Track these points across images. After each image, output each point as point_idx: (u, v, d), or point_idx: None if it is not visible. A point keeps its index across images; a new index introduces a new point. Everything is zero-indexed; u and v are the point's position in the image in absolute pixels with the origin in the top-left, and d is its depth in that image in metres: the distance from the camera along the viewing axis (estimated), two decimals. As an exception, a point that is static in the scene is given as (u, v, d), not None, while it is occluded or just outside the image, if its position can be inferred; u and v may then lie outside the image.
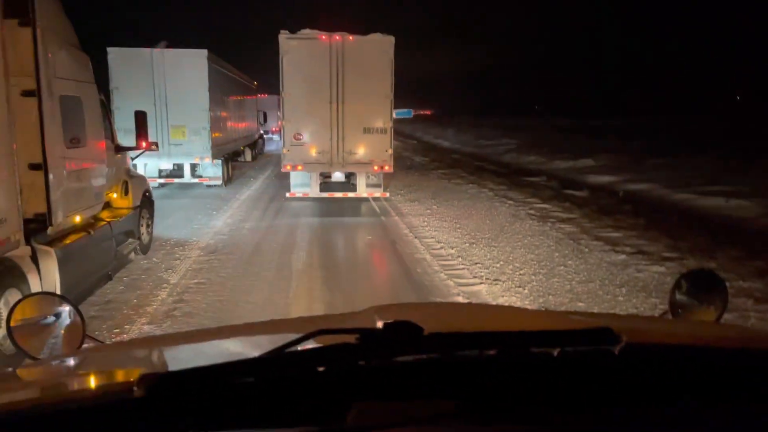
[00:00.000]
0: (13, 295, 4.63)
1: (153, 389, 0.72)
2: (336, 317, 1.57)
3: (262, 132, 27.24)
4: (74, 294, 5.47)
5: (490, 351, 0.80)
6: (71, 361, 1.40)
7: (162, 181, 14.40)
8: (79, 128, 5.99)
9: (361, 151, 12.06)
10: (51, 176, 5.14)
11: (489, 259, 7.89)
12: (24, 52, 4.90)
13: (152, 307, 5.99)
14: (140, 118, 7.99)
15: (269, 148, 28.74)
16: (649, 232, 9.45)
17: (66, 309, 1.57)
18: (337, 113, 11.86)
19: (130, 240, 7.52)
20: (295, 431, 0.74)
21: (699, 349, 0.91)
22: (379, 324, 1.06)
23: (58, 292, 5.11)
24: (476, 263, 7.73)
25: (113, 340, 5.06)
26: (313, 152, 12.06)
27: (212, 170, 14.91)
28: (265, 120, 27.09)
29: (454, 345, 0.79)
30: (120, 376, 1.10)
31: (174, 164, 14.66)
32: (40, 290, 4.95)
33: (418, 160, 24.68)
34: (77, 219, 5.93)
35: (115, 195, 7.50)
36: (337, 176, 12.79)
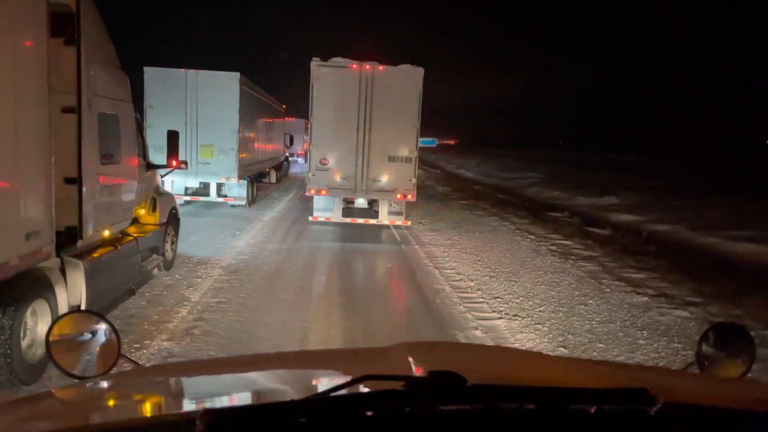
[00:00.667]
0: (41, 306, 4.74)
1: (215, 425, 0.76)
2: (365, 351, 1.60)
3: (287, 154, 27.58)
4: (98, 307, 5.56)
5: (529, 405, 0.82)
6: (111, 384, 1.44)
7: (188, 198, 14.62)
8: (114, 145, 6.15)
9: (384, 179, 12.15)
10: (84, 190, 5.27)
11: (509, 294, 7.85)
12: (67, 70, 5.07)
13: (173, 324, 6.06)
14: (173, 138, 8.18)
15: (294, 170, 29.06)
16: (673, 275, 9.32)
17: (103, 327, 1.62)
18: (364, 141, 11.99)
19: (155, 256, 7.63)
20: None
21: (733, 413, 0.92)
22: (416, 366, 1.08)
23: (84, 304, 5.21)
24: (495, 297, 7.68)
25: (131, 354, 5.13)
26: (338, 178, 12.19)
27: (237, 190, 15.12)
28: (292, 143, 27.46)
29: (496, 398, 0.82)
30: (171, 405, 1.13)
31: (200, 183, 14.90)
32: (66, 301, 5.06)
33: (440, 189, 24.74)
34: (106, 233, 6.06)
35: (143, 211, 7.65)
36: (360, 202, 12.86)
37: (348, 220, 12.61)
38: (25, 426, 1.10)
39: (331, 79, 11.94)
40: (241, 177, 14.76)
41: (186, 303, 6.80)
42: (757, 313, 7.18)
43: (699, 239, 13.54)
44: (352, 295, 7.75)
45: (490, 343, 5.97)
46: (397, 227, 12.86)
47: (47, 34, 4.71)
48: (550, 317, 6.88)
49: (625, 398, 0.83)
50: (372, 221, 12.55)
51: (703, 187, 23.08)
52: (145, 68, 13.82)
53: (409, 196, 12.24)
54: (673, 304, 7.59)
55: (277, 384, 1.32)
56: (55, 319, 1.63)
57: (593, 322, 6.76)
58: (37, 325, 4.71)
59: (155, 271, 7.78)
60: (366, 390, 0.82)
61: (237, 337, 5.77)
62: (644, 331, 6.49)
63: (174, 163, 8.11)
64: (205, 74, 14.28)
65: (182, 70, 14.21)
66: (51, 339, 1.57)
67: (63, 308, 5.00)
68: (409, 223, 12.74)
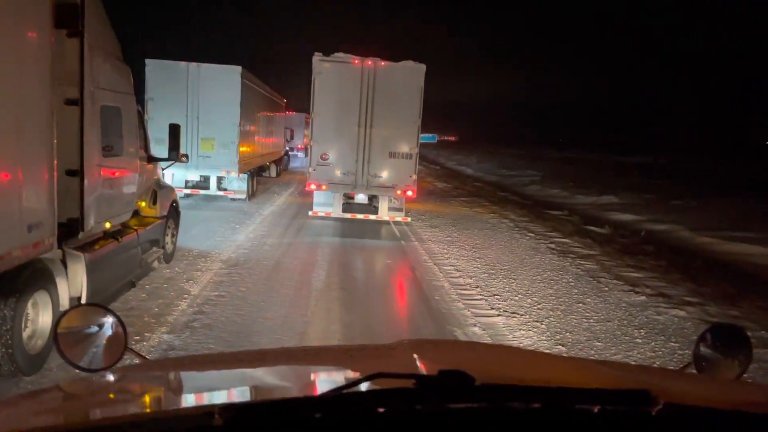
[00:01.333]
0: (42, 297, 4.76)
1: (233, 420, 0.78)
2: (371, 348, 1.62)
3: (288, 148, 27.58)
4: (98, 299, 5.59)
5: (536, 404, 0.85)
6: (119, 377, 1.46)
7: (188, 191, 14.64)
8: (116, 137, 6.16)
9: (385, 175, 12.17)
10: (86, 183, 5.28)
11: (507, 291, 7.88)
12: (70, 61, 5.07)
13: (172, 317, 6.08)
14: (174, 131, 8.19)
15: (294, 164, 29.06)
16: (671, 275, 9.36)
17: (110, 320, 1.64)
18: (365, 136, 12.00)
19: (155, 249, 7.65)
20: None
21: (732, 414, 0.95)
22: (422, 364, 1.10)
23: (84, 295, 5.23)
24: (494, 294, 7.71)
25: (133, 345, 5.15)
26: (338, 173, 12.20)
27: (237, 184, 15.14)
28: (292, 137, 27.46)
29: (503, 397, 0.84)
30: (183, 400, 1.15)
31: (201, 176, 14.91)
32: (67, 293, 5.08)
33: (440, 186, 24.76)
34: (107, 225, 6.08)
35: (143, 204, 7.66)
36: (360, 198, 12.87)
37: (348, 215, 12.63)
38: (35, 419, 1.11)
39: (332, 75, 11.94)
40: (241, 171, 14.77)
41: (186, 296, 6.83)
42: (755, 316, 7.21)
43: (697, 239, 13.58)
44: (352, 290, 7.77)
45: (488, 340, 6.01)
46: (396, 223, 12.88)
47: (51, 25, 4.71)
48: (548, 315, 6.91)
49: (628, 399, 0.85)
50: (372, 217, 12.57)
51: (706, 189, 23.11)
52: (147, 60, 13.80)
53: (410, 192, 12.26)
54: (671, 303, 7.62)
55: (288, 380, 1.34)
56: (63, 312, 1.66)
57: (591, 320, 6.79)
58: (39, 316, 4.73)
59: (155, 264, 7.80)
60: (378, 387, 0.84)
61: (237, 331, 5.80)
62: (642, 330, 6.53)
63: (175, 156, 8.11)
64: (206, 67, 14.27)
65: (184, 63, 14.20)
66: (59, 331, 1.59)
67: (64, 300, 5.02)
68: (409, 219, 12.76)
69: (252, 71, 16.09)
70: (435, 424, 0.84)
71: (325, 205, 12.68)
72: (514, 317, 6.80)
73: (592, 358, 5.61)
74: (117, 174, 6.30)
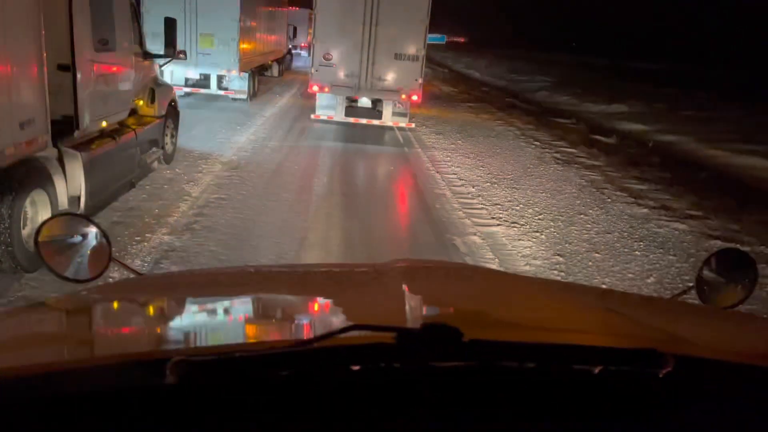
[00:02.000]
0: (40, 196, 4.72)
1: (186, 377, 0.72)
2: (360, 274, 1.56)
3: (290, 47, 26.65)
4: (97, 199, 5.57)
5: (530, 363, 0.79)
6: (99, 299, 1.42)
7: (188, 90, 14.28)
8: (108, 31, 5.88)
9: (390, 78, 11.77)
10: (79, 77, 5.11)
11: (509, 201, 7.84)
12: (55, -54, 4.74)
13: (173, 218, 6.09)
14: (170, 25, 7.83)
15: (297, 64, 28.22)
16: (675, 188, 9.29)
17: (93, 231, 1.58)
18: (369, 36, 11.50)
19: (154, 149, 7.54)
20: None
21: (745, 368, 0.90)
22: (410, 295, 1.04)
23: (83, 195, 5.20)
24: (496, 204, 7.68)
25: (132, 247, 5.19)
26: (342, 75, 11.81)
27: (238, 83, 14.73)
28: (295, 35, 26.44)
29: (493, 355, 0.78)
30: (149, 340, 1.11)
31: (201, 74, 14.47)
32: (66, 192, 5.05)
33: (446, 90, 24.16)
34: (104, 124, 5.94)
35: (141, 102, 7.46)
36: (364, 102, 12.53)
37: (351, 119, 12.36)
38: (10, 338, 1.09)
39: None
40: (242, 69, 14.33)
41: (186, 198, 6.81)
42: (755, 230, 7.21)
43: (704, 151, 13.38)
44: (353, 196, 7.74)
45: (487, 249, 6.04)
46: (400, 129, 12.65)
47: None
48: (548, 225, 6.91)
49: (633, 359, 0.79)
50: (375, 122, 12.31)
51: (719, 99, 22.50)
52: (141, -52, 13.00)
53: (415, 97, 11.92)
54: (673, 216, 7.61)
55: (261, 320, 1.28)
56: (43, 222, 1.60)
57: (591, 232, 6.80)
58: (38, 215, 4.72)
59: (155, 165, 7.73)
60: (353, 341, 0.77)
61: (237, 234, 5.82)
62: (641, 242, 6.55)
63: (172, 52, 7.80)
64: (205, -43, 13.46)
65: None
66: (40, 240, 1.54)
67: (63, 199, 4.99)
68: (413, 125, 12.51)
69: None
70: (416, 383, 0.79)
71: (328, 108, 12.37)
72: (514, 227, 6.80)
73: (590, 270, 5.66)
74: (111, 70, 6.08)
